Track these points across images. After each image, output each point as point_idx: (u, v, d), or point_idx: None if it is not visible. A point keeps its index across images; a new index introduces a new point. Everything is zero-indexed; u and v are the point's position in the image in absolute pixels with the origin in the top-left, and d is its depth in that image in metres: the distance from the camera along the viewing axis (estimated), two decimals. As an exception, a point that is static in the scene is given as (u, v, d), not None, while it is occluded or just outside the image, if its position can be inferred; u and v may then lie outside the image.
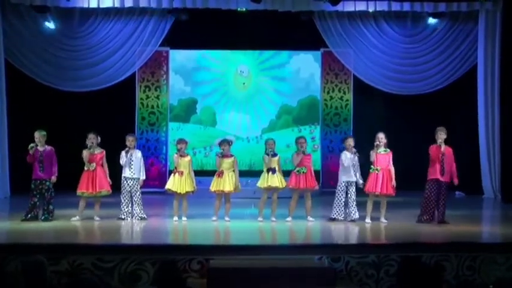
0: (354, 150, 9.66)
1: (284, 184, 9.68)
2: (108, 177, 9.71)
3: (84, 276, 6.71)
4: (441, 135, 9.38)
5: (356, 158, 9.65)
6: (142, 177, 9.87)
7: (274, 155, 9.69)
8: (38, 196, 9.41)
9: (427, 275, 5.57)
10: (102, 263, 6.92)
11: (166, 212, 10.89)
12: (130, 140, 9.81)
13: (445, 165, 9.34)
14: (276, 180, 9.60)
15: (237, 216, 9.99)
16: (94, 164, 9.56)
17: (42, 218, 9.37)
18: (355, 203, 9.64)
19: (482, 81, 13.66)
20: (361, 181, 9.69)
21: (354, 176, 9.64)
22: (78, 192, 9.59)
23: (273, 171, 9.62)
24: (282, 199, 9.84)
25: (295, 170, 9.69)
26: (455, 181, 9.49)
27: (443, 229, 8.96)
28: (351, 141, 9.74)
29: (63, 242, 7.69)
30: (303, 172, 9.61)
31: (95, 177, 9.57)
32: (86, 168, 9.60)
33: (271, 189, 9.68)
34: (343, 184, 9.68)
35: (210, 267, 6.81)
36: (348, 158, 9.64)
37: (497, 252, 7.40)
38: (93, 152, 9.60)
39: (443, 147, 9.34)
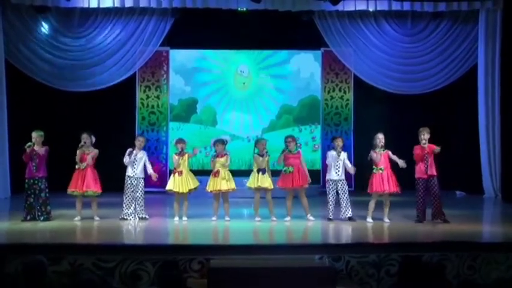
0: (338, 150, 9.73)
1: (272, 185, 9.71)
2: (98, 178, 9.64)
3: (85, 276, 6.70)
4: (425, 135, 9.46)
5: (340, 157, 9.67)
6: (150, 171, 9.78)
7: (265, 155, 9.72)
8: (32, 196, 9.41)
9: (427, 275, 5.57)
10: (103, 263, 6.92)
11: (166, 211, 10.89)
12: (140, 141, 9.84)
13: (428, 163, 9.40)
14: (265, 181, 9.62)
15: (237, 216, 10.01)
16: (85, 164, 9.54)
17: (42, 218, 9.36)
18: (347, 201, 9.64)
19: (482, 80, 13.64)
20: (337, 177, 9.69)
21: (336, 175, 9.66)
22: (69, 190, 9.58)
23: (263, 171, 9.64)
24: (277, 199, 9.84)
25: (282, 170, 9.73)
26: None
27: (444, 229, 8.96)
28: (339, 142, 9.81)
29: (63, 242, 7.69)
30: (289, 171, 9.62)
31: (83, 176, 9.54)
32: (77, 167, 9.59)
33: (261, 190, 9.69)
34: (330, 183, 9.74)
35: (211, 267, 6.80)
36: (332, 156, 9.72)
37: (498, 251, 7.39)
38: (87, 152, 9.58)
39: (427, 147, 9.40)
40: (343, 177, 9.72)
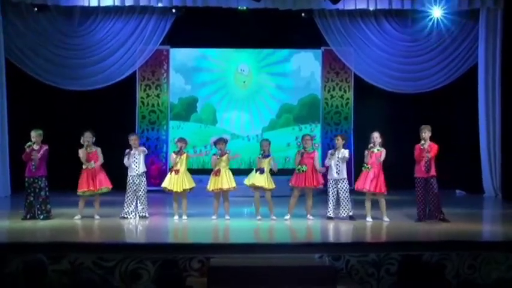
0: (336, 147, 9.81)
1: (271, 185, 9.66)
2: (106, 174, 9.71)
3: (85, 275, 6.71)
4: (425, 133, 9.41)
5: (338, 155, 9.68)
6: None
7: (266, 156, 9.71)
8: (32, 195, 9.41)
9: (427, 274, 5.57)
10: (103, 262, 6.92)
11: (166, 210, 10.88)
12: (133, 139, 9.84)
13: (430, 162, 9.36)
14: (261, 180, 9.58)
15: (237, 215, 10.01)
16: (93, 162, 9.56)
17: (41, 217, 9.36)
18: (347, 200, 9.67)
19: (483, 79, 13.63)
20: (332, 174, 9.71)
21: (336, 174, 9.67)
22: (79, 191, 9.58)
23: (261, 171, 9.62)
24: (284, 197, 9.85)
25: (296, 169, 9.71)
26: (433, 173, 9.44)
27: (444, 228, 8.96)
28: (336, 140, 9.90)
29: (63, 241, 7.69)
30: (303, 170, 9.62)
31: (94, 175, 9.57)
32: (84, 167, 9.59)
33: (257, 188, 9.67)
34: (331, 182, 9.77)
35: (211, 266, 6.81)
36: (328, 156, 9.81)
37: (498, 250, 7.39)
38: (90, 151, 9.59)
39: (426, 145, 9.34)
40: (343, 176, 9.72)
